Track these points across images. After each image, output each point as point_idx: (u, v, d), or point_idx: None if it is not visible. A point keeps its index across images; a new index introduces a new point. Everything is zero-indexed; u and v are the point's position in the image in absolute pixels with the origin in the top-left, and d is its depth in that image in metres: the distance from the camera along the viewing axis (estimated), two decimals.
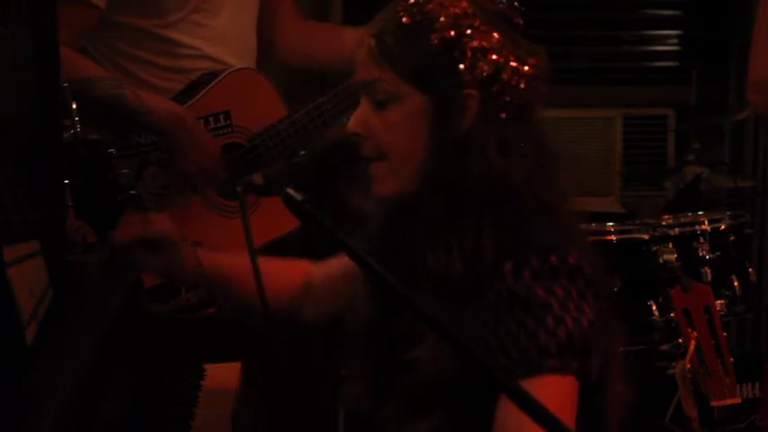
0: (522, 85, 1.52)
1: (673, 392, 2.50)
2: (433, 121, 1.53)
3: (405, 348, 1.53)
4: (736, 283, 2.83)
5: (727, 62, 4.05)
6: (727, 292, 2.81)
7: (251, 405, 2.10)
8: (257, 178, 1.52)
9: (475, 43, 1.51)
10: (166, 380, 1.95)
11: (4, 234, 1.46)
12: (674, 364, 2.41)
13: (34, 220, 1.70)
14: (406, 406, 1.54)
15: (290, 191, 1.36)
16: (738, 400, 2.33)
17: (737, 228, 2.90)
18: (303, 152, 1.57)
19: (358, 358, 1.65)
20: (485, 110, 1.51)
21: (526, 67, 1.53)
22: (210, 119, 2.55)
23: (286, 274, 1.91)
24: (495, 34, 1.52)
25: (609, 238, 2.81)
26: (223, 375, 1.98)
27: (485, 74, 1.51)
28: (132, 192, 2.03)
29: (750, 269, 2.89)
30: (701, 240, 2.82)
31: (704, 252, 2.81)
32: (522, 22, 1.58)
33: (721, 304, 2.74)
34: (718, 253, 2.83)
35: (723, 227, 2.88)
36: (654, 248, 2.79)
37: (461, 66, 1.51)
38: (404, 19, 1.53)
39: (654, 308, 2.75)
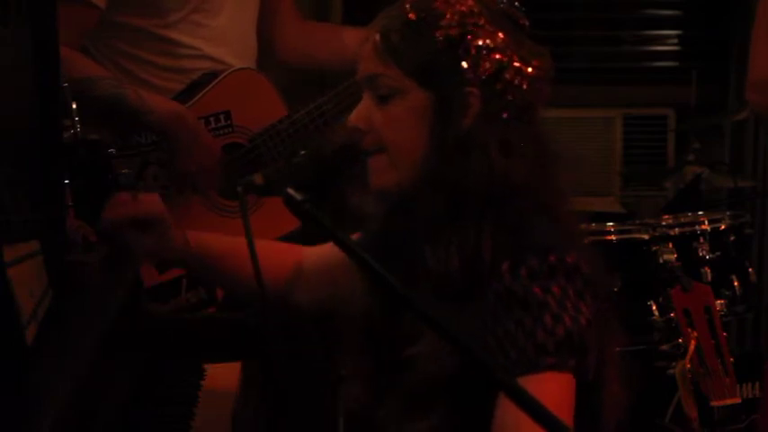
0: (525, 86, 1.52)
1: (673, 392, 2.50)
2: (434, 118, 1.53)
3: (404, 347, 1.53)
4: (736, 283, 2.83)
5: (727, 62, 4.05)
6: (727, 292, 2.82)
7: (251, 405, 2.10)
8: (257, 178, 1.52)
9: (479, 42, 1.52)
10: (166, 380, 1.95)
11: (4, 234, 1.46)
12: (674, 364, 2.41)
13: (34, 220, 1.70)
14: (405, 404, 1.54)
15: (290, 191, 1.36)
16: (738, 400, 2.33)
17: (737, 228, 2.90)
18: (303, 152, 1.57)
19: (357, 357, 1.66)
20: (486, 109, 1.52)
21: (529, 68, 1.53)
22: (211, 119, 2.55)
23: (277, 256, 1.91)
24: (500, 34, 1.53)
25: (609, 238, 2.81)
26: (223, 375, 1.98)
27: (488, 72, 1.51)
28: (132, 192, 2.03)
29: (750, 269, 2.89)
30: (701, 240, 2.82)
31: (704, 252, 2.81)
32: (527, 23, 1.59)
33: (721, 304, 2.74)
34: (718, 253, 2.83)
35: (723, 227, 2.88)
36: (654, 248, 2.79)
37: (465, 64, 1.51)
38: (410, 15, 1.54)
39: (654, 308, 2.75)
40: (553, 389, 1.41)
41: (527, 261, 1.45)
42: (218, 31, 2.64)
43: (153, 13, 2.56)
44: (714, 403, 2.30)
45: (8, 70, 1.69)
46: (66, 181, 1.89)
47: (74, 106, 1.95)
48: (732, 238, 2.87)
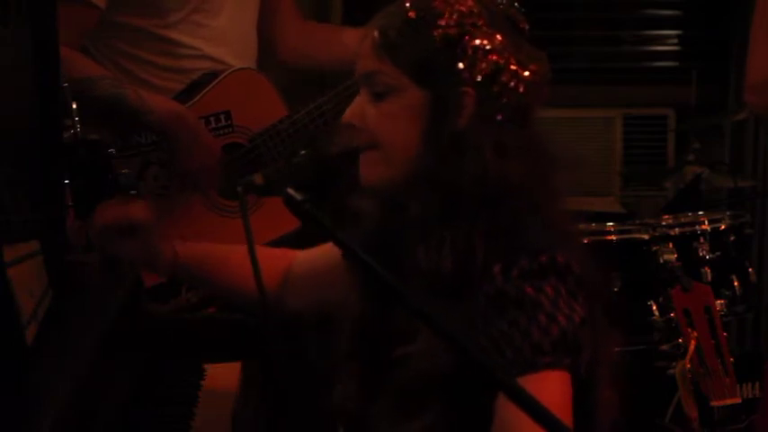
0: (521, 89, 1.52)
1: (673, 392, 2.50)
2: (428, 117, 1.53)
3: (397, 346, 1.53)
4: (736, 283, 2.83)
5: (727, 62, 4.05)
6: (727, 292, 2.81)
7: (251, 405, 2.10)
8: (257, 178, 1.52)
9: (476, 42, 1.52)
10: (166, 380, 1.96)
11: (4, 234, 1.46)
12: (674, 364, 2.41)
13: (34, 220, 1.70)
14: (399, 404, 1.54)
15: (290, 191, 1.36)
16: (738, 400, 2.33)
17: (737, 228, 2.90)
18: (303, 152, 1.57)
19: (350, 357, 1.66)
20: (481, 110, 1.52)
21: (526, 72, 1.53)
22: (211, 119, 2.55)
23: (268, 262, 1.91)
24: (499, 36, 1.53)
25: (609, 238, 2.81)
26: (223, 375, 1.98)
27: (484, 74, 1.51)
28: (133, 192, 2.03)
29: (750, 269, 2.89)
30: (701, 240, 2.82)
31: (704, 252, 2.81)
32: (528, 27, 1.59)
33: (721, 304, 2.74)
34: (718, 253, 2.83)
35: (723, 227, 2.88)
36: (654, 248, 2.79)
37: (461, 64, 1.51)
38: (410, 14, 1.54)
39: (654, 308, 2.75)
40: (552, 388, 1.41)
41: (518, 262, 1.45)
42: (219, 31, 2.64)
43: (153, 14, 2.56)
44: (714, 403, 2.30)
45: (8, 70, 1.69)
46: (66, 181, 1.89)
47: (74, 106, 1.95)
48: (732, 238, 2.87)
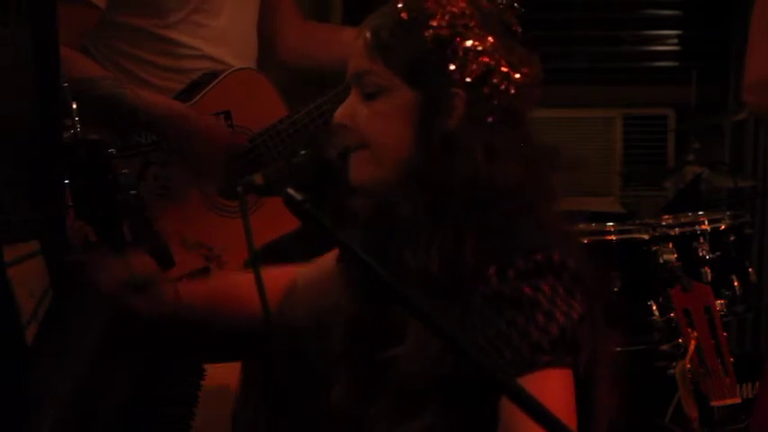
0: (512, 91, 1.52)
1: (673, 392, 2.50)
2: (419, 117, 1.53)
3: (390, 346, 1.53)
4: (736, 283, 2.83)
5: (727, 62, 4.05)
6: (727, 292, 2.81)
7: (251, 405, 2.10)
8: (257, 178, 1.52)
9: (467, 44, 1.52)
10: (166, 380, 1.96)
11: (4, 234, 1.46)
12: (674, 364, 2.41)
13: (34, 220, 1.70)
14: (396, 403, 1.54)
15: (290, 191, 1.36)
16: (738, 400, 2.33)
17: (737, 228, 2.90)
18: (303, 152, 1.57)
19: (344, 357, 1.66)
20: (471, 112, 1.52)
21: (517, 75, 1.53)
22: None
23: (271, 283, 1.91)
24: (490, 38, 1.53)
25: (609, 238, 2.81)
26: (223, 375, 1.98)
27: (474, 75, 1.51)
28: (133, 191, 2.03)
29: (750, 269, 2.89)
30: (701, 240, 2.82)
31: (704, 252, 2.81)
32: (520, 30, 1.59)
33: (721, 304, 2.74)
34: (718, 253, 2.83)
35: (723, 227, 2.88)
36: (654, 248, 2.79)
37: (452, 65, 1.51)
38: (402, 15, 1.54)
39: (654, 308, 2.75)
40: (553, 386, 1.41)
41: (514, 263, 1.45)
42: (219, 31, 2.64)
43: (153, 14, 2.56)
44: (714, 403, 2.30)
45: (8, 70, 1.69)
46: (66, 181, 1.89)
47: (74, 106, 1.95)
48: (732, 238, 2.87)
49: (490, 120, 1.52)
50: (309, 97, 2.63)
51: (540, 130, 1.59)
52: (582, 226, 2.81)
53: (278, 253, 2.56)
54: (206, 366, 2.01)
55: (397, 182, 1.54)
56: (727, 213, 2.94)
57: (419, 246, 1.51)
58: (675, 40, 4.32)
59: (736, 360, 2.38)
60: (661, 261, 2.75)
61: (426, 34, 1.52)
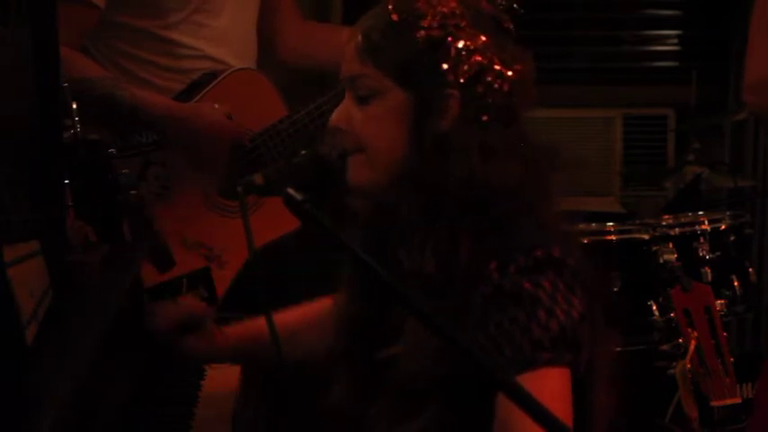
0: (506, 89, 1.52)
1: (673, 392, 2.50)
2: (412, 119, 1.53)
3: (389, 346, 1.53)
4: (736, 283, 2.83)
5: (727, 62, 4.05)
6: (727, 292, 2.82)
7: (251, 405, 2.10)
8: (258, 178, 1.52)
9: (459, 44, 1.51)
10: (166, 380, 1.96)
11: (4, 234, 1.46)
12: (674, 364, 2.41)
13: (34, 220, 1.70)
14: (396, 403, 1.54)
15: (290, 191, 1.36)
16: (738, 400, 2.33)
17: (737, 228, 2.90)
18: (303, 152, 1.57)
19: (343, 356, 1.66)
20: (466, 112, 1.51)
21: (510, 72, 1.52)
22: None
23: (314, 319, 1.90)
24: (482, 37, 1.52)
25: (609, 238, 2.81)
26: (223, 375, 1.98)
27: (467, 75, 1.51)
28: (133, 191, 2.03)
29: (750, 269, 2.89)
30: (701, 240, 2.82)
31: (704, 252, 2.81)
32: (512, 27, 1.58)
33: (721, 304, 2.74)
34: (718, 253, 2.83)
35: (723, 227, 2.88)
36: (654, 248, 2.79)
37: (444, 65, 1.51)
38: (393, 16, 1.54)
39: (654, 308, 2.75)
40: (552, 385, 1.41)
41: (515, 259, 1.44)
42: (220, 31, 2.64)
43: (153, 14, 2.56)
44: (714, 403, 2.30)
45: (8, 70, 1.69)
46: (66, 181, 1.89)
47: (74, 106, 1.95)
48: (732, 238, 2.87)
49: (485, 119, 1.52)
50: (309, 97, 2.63)
51: (540, 130, 1.59)
52: (582, 226, 2.81)
53: (278, 253, 2.57)
54: (206, 366, 2.01)
55: (393, 184, 1.54)
56: (728, 213, 2.94)
57: (414, 246, 1.51)
58: (675, 40, 4.32)
59: (736, 360, 2.38)
60: (661, 261, 2.75)
61: (418, 35, 1.51)
